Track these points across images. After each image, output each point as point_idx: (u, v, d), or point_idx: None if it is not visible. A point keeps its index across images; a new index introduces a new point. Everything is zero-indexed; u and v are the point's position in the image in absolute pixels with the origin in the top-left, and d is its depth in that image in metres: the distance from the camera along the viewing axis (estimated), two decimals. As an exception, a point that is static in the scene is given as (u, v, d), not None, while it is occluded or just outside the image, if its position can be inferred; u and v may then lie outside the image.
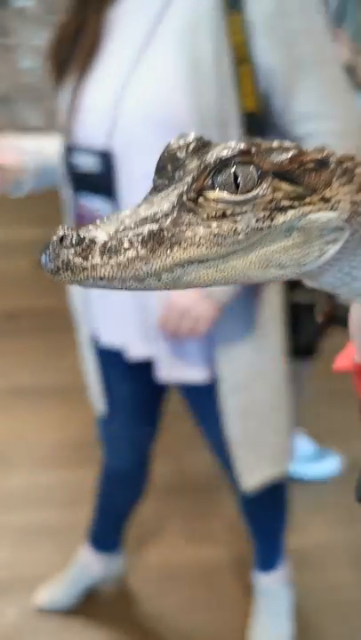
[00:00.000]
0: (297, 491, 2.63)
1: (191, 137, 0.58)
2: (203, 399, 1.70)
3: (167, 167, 0.57)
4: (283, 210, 0.52)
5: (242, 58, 1.40)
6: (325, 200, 0.54)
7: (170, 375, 1.64)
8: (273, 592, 2.05)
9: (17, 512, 2.59)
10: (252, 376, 1.60)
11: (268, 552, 2.06)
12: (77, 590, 2.16)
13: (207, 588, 2.11)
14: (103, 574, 2.16)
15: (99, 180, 1.52)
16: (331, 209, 0.54)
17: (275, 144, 0.55)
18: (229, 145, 0.52)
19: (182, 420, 3.09)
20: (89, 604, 2.17)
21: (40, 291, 4.28)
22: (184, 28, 1.40)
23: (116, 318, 1.64)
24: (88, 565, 2.15)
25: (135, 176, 1.44)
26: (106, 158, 1.48)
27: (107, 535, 2.17)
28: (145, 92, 1.42)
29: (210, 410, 1.68)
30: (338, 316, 1.62)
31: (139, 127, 1.42)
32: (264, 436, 1.68)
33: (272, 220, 0.52)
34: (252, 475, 1.70)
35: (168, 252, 0.49)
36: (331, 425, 2.97)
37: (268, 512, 1.99)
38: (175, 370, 1.62)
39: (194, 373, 1.61)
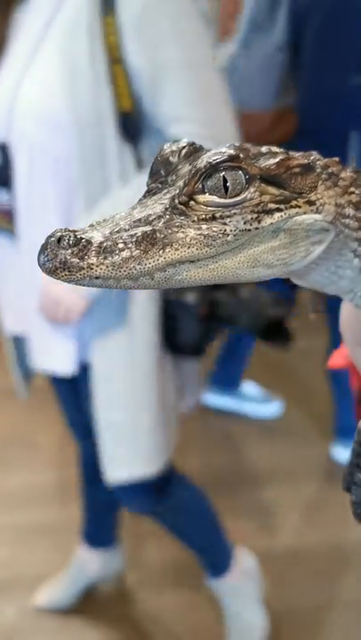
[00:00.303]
0: (289, 492, 2.65)
1: (184, 142, 0.62)
2: (77, 385, 1.74)
3: (160, 171, 0.60)
4: (270, 212, 0.55)
5: (116, 58, 1.44)
6: (311, 203, 0.56)
7: (41, 364, 1.70)
8: (235, 590, 2.02)
9: (16, 511, 2.60)
10: (121, 368, 1.62)
11: (208, 558, 2.04)
12: (76, 589, 2.16)
13: (205, 588, 2.11)
14: (101, 572, 2.16)
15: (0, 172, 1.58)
16: (316, 211, 0.57)
17: (264, 149, 0.59)
18: (220, 151, 0.55)
19: (184, 422, 3.10)
20: (88, 604, 2.17)
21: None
22: (66, 29, 1.46)
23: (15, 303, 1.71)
24: (85, 563, 2.16)
25: (27, 171, 1.51)
26: (4, 152, 1.54)
27: (99, 530, 2.17)
28: (32, 92, 1.49)
29: (83, 396, 1.71)
30: (217, 316, 1.62)
31: (29, 124, 1.48)
32: (134, 434, 1.66)
33: (259, 222, 0.55)
34: (119, 469, 1.69)
35: (161, 252, 0.52)
36: (327, 423, 2.98)
37: (177, 517, 1.98)
38: (44, 359, 1.67)
39: (62, 364, 1.64)
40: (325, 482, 2.70)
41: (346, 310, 0.70)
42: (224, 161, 0.54)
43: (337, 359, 0.84)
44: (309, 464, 2.82)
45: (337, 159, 0.61)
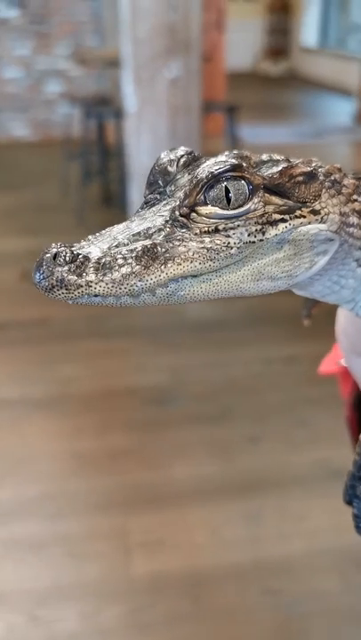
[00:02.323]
0: (281, 500, 2.64)
1: (182, 151, 0.60)
2: None
3: (158, 181, 0.59)
4: (274, 223, 0.54)
5: None
6: (315, 212, 0.55)
7: None
8: None
9: (2, 525, 2.57)
10: None
11: None
12: None
13: (193, 599, 2.10)
14: None
15: None
16: (321, 221, 0.55)
17: (264, 157, 0.57)
18: (220, 160, 0.54)
19: (169, 430, 3.11)
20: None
21: (27, 302, 4.27)
22: None
23: None
24: None
25: None
26: None
27: None
28: None
29: None
30: None
31: None
32: None
33: (264, 233, 0.53)
34: None
35: (162, 267, 0.50)
36: (313, 430, 2.98)
37: None
38: None
39: None
40: (312, 489, 2.69)
41: (343, 318, 0.70)
42: (226, 171, 0.52)
43: (328, 365, 0.84)
44: (295, 472, 2.81)
45: (338, 166, 0.60)
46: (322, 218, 0.55)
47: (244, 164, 0.53)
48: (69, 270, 0.48)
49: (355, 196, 0.59)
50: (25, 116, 8.81)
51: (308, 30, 15.98)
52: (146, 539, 2.46)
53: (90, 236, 0.53)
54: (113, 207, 5.98)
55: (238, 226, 0.53)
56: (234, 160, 0.53)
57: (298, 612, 2.17)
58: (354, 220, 0.58)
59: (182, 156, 0.59)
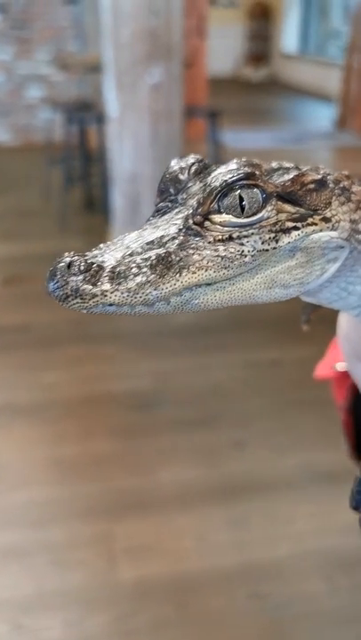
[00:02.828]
0: (267, 504, 2.64)
1: (192, 159, 0.60)
2: None
3: (169, 189, 0.59)
4: (287, 231, 0.54)
5: None
6: (327, 220, 0.56)
7: None
8: None
9: (-15, 534, 2.54)
10: None
11: None
12: None
13: (179, 605, 2.09)
14: None
15: None
16: (332, 228, 0.56)
17: (274, 164, 0.58)
18: (233, 168, 0.54)
19: (154, 435, 3.10)
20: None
21: (9, 307, 4.24)
22: None
23: None
24: None
25: None
26: None
27: None
28: None
29: None
30: None
31: None
32: None
33: (277, 241, 0.53)
34: None
35: (177, 276, 0.50)
36: (298, 434, 2.98)
37: None
38: None
39: None
40: (297, 492, 2.70)
41: (345, 323, 0.71)
42: (240, 179, 0.53)
43: (323, 370, 0.84)
44: (281, 476, 2.81)
45: (346, 173, 0.61)
46: (333, 225, 0.56)
47: (257, 173, 0.54)
48: (84, 279, 0.48)
49: None
50: (6, 121, 8.77)
51: (288, 36, 16.12)
52: (130, 545, 2.45)
53: (101, 245, 0.53)
54: (95, 212, 5.97)
55: (252, 234, 0.53)
56: (247, 168, 0.53)
57: (284, 616, 2.16)
58: None
59: (193, 164, 0.60)
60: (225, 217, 0.53)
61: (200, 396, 3.36)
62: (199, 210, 0.53)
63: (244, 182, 0.52)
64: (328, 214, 0.56)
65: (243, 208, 0.53)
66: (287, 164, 0.58)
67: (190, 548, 2.44)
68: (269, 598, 2.21)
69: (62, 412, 3.23)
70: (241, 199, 0.53)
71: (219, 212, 0.53)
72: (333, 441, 0.98)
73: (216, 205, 0.53)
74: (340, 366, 0.78)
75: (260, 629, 2.12)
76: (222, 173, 0.53)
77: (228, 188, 0.53)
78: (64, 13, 8.44)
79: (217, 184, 0.53)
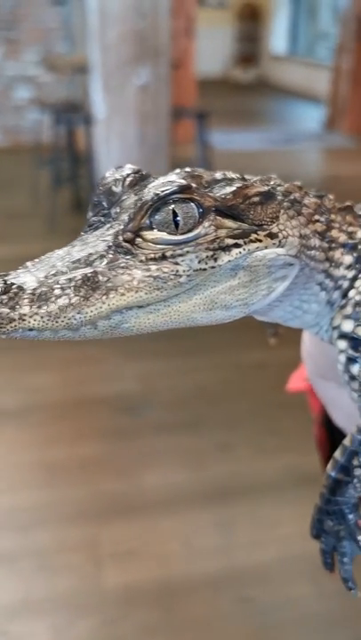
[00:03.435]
0: (253, 507, 2.63)
1: (127, 170, 0.56)
2: None
3: (103, 202, 0.55)
4: (227, 249, 0.50)
5: None
6: (273, 235, 0.51)
7: None
8: None
9: (-30, 540, 2.52)
10: None
11: None
12: None
13: (166, 609, 2.08)
14: None
15: None
16: (279, 245, 0.51)
17: (218, 175, 0.53)
18: (168, 180, 0.50)
19: (140, 438, 3.09)
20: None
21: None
22: None
23: None
24: None
25: None
26: None
27: None
28: None
29: None
30: None
31: None
32: None
33: (216, 259, 0.49)
34: None
35: (104, 298, 0.46)
36: (283, 436, 2.98)
37: None
38: None
39: None
40: (283, 495, 2.69)
41: (308, 341, 0.68)
42: (174, 192, 0.48)
43: (296, 382, 0.83)
44: (267, 479, 2.81)
45: (298, 184, 0.56)
46: (280, 241, 0.52)
47: (194, 185, 0.50)
48: (1, 302, 0.44)
49: (316, 217, 0.56)
50: (-3, 122, 8.74)
51: (277, 38, 16.15)
52: (117, 550, 2.44)
53: (28, 263, 0.49)
54: (83, 213, 5.91)
55: (188, 252, 0.49)
56: (182, 180, 0.49)
57: (271, 620, 2.16)
58: (315, 242, 0.55)
59: (128, 175, 0.55)
60: (157, 234, 0.49)
61: (186, 398, 3.35)
62: (130, 226, 0.50)
63: (178, 196, 0.49)
64: (275, 229, 0.52)
65: (177, 224, 0.49)
66: (232, 175, 0.54)
67: (176, 552, 2.43)
68: (256, 602, 2.21)
69: (49, 416, 3.21)
70: (175, 214, 0.49)
71: (151, 228, 0.49)
72: (318, 453, 0.97)
73: (148, 221, 0.49)
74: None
75: (246, 633, 2.12)
76: (155, 186, 0.50)
77: (160, 202, 0.49)
78: (52, 14, 8.41)
79: (148, 198, 0.49)
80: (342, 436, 0.62)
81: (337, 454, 0.58)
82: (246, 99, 13.97)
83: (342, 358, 0.56)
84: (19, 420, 3.18)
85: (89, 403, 3.33)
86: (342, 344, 0.56)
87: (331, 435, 0.78)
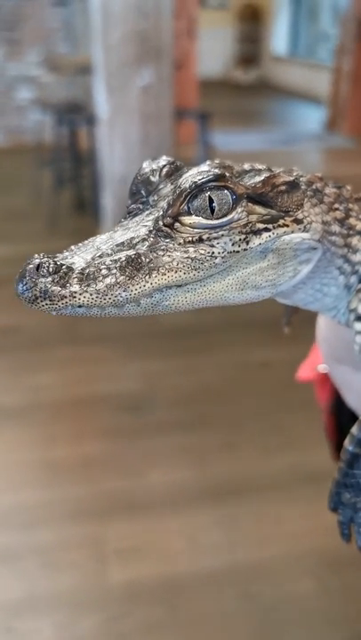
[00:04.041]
0: (257, 505, 2.64)
1: (164, 161, 0.60)
2: None
3: (141, 191, 0.59)
4: (258, 232, 0.54)
5: None
6: (298, 221, 0.56)
7: None
8: None
9: (-25, 537, 2.53)
10: None
11: None
12: None
13: (170, 606, 2.09)
14: None
15: None
16: (304, 230, 0.56)
17: (246, 166, 0.58)
18: (203, 169, 0.54)
19: (144, 437, 3.10)
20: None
21: (1, 309, 4.23)
22: None
23: None
24: None
25: None
26: None
27: None
28: None
29: None
30: None
31: None
32: None
33: (248, 242, 0.54)
34: None
35: (147, 277, 0.50)
36: (288, 435, 2.99)
37: None
38: None
39: None
40: (287, 493, 2.71)
41: (324, 325, 0.71)
42: (210, 180, 0.53)
43: (305, 372, 0.85)
44: (270, 477, 2.82)
45: (319, 175, 0.61)
46: (305, 227, 0.56)
47: (227, 174, 0.53)
48: (53, 281, 0.48)
49: (336, 205, 0.60)
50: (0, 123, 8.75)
51: (278, 39, 16.17)
52: (121, 547, 2.45)
53: (72, 246, 0.53)
54: (85, 214, 5.96)
55: (222, 235, 0.53)
56: (217, 170, 0.53)
57: (275, 616, 2.17)
58: (336, 228, 0.59)
59: (165, 166, 0.60)
60: (195, 219, 0.53)
61: (189, 397, 3.36)
62: (169, 211, 0.53)
63: (214, 184, 0.52)
64: (300, 216, 0.56)
65: (213, 210, 0.53)
66: (259, 166, 0.58)
67: (180, 549, 2.44)
68: (259, 599, 2.22)
69: (52, 414, 3.22)
70: (211, 201, 0.53)
71: (189, 213, 0.53)
72: (323, 442, 0.98)
73: (186, 207, 0.53)
74: (322, 368, 0.79)
75: (250, 630, 2.13)
76: (192, 175, 0.53)
77: (197, 189, 0.53)
78: (54, 15, 8.43)
79: (187, 185, 0.53)
80: (352, 422, 0.64)
81: (354, 430, 0.62)
82: (247, 99, 13.99)
83: (359, 339, 0.60)
84: (21, 418, 3.19)
85: (92, 401, 3.34)
86: (359, 326, 0.60)
87: (339, 423, 0.80)
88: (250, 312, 3.97)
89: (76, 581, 2.30)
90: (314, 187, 0.59)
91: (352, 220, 0.60)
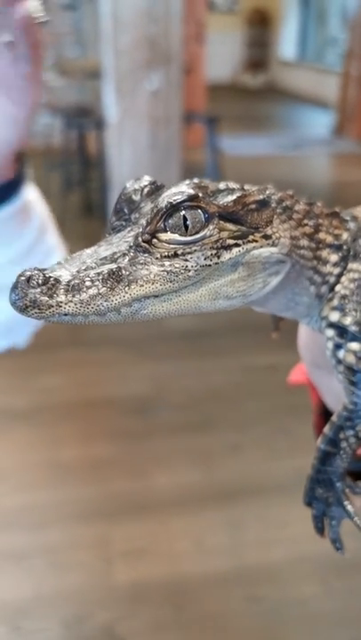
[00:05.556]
0: (263, 507, 2.66)
1: (145, 181, 0.66)
2: None
3: (124, 209, 0.64)
4: (228, 248, 0.59)
5: None
6: (267, 237, 0.61)
7: None
8: None
9: (-17, 536, 2.56)
10: None
11: None
12: None
13: (176, 607, 2.11)
14: None
15: None
16: (272, 244, 0.61)
17: (221, 185, 0.63)
18: (179, 190, 0.59)
19: (151, 439, 3.12)
20: (57, 628, 2.15)
21: (7, 311, 4.25)
22: None
23: None
24: None
25: None
26: None
27: None
28: None
29: None
30: None
31: None
32: None
33: (219, 257, 0.58)
34: None
35: (126, 288, 0.55)
36: (294, 438, 3.01)
37: None
38: None
39: None
40: (293, 496, 2.71)
41: (303, 332, 0.75)
42: (184, 201, 0.57)
43: (297, 375, 0.88)
44: (277, 480, 2.83)
45: (291, 192, 0.65)
46: (273, 242, 0.60)
47: (201, 194, 0.58)
48: (41, 292, 0.52)
49: (305, 221, 0.64)
50: None
51: (286, 43, 16.20)
52: (128, 548, 2.47)
53: (61, 260, 0.58)
54: (94, 217, 5.99)
55: (195, 250, 0.57)
56: (191, 190, 0.58)
57: (280, 618, 2.18)
58: (304, 242, 0.64)
59: (146, 186, 0.64)
60: (170, 235, 0.57)
61: (197, 400, 3.38)
62: (147, 229, 0.58)
63: (188, 204, 0.57)
64: (269, 232, 0.60)
65: (187, 227, 0.57)
66: (233, 185, 0.62)
67: (186, 550, 2.46)
68: (265, 601, 2.23)
69: (60, 416, 3.25)
70: (185, 219, 0.57)
71: (165, 230, 0.57)
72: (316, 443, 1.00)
73: (162, 225, 0.57)
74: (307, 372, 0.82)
75: (255, 631, 2.14)
76: (168, 195, 0.58)
77: (173, 209, 0.57)
78: (63, 19, 8.48)
79: (163, 205, 0.57)
80: None
81: (326, 429, 0.67)
82: (255, 104, 14.02)
83: (330, 345, 0.65)
84: (30, 420, 3.22)
85: (100, 404, 3.37)
86: (330, 332, 0.65)
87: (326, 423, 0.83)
88: (257, 317, 3.97)
89: (84, 581, 2.32)
90: (284, 204, 0.63)
91: (321, 235, 0.65)
